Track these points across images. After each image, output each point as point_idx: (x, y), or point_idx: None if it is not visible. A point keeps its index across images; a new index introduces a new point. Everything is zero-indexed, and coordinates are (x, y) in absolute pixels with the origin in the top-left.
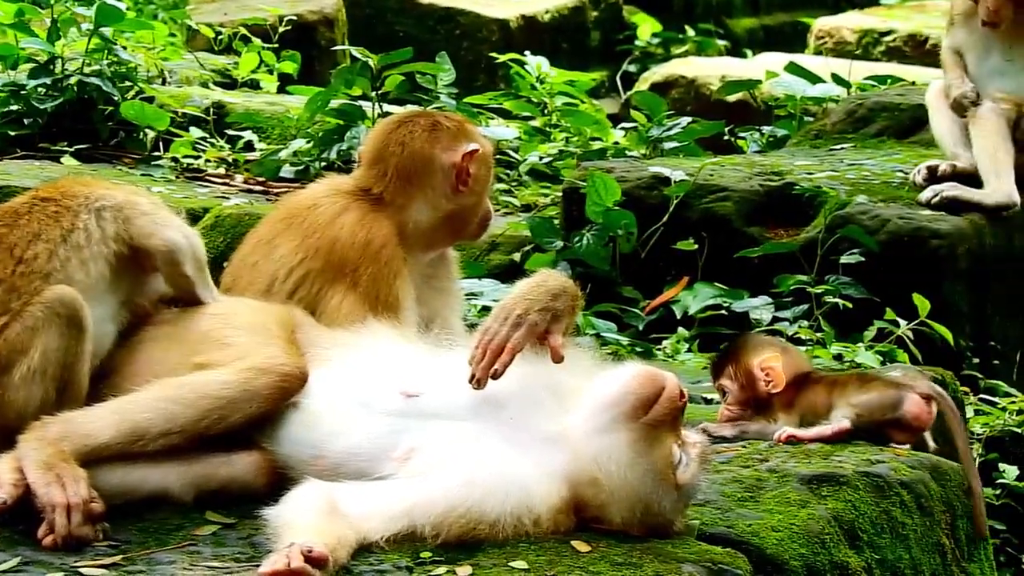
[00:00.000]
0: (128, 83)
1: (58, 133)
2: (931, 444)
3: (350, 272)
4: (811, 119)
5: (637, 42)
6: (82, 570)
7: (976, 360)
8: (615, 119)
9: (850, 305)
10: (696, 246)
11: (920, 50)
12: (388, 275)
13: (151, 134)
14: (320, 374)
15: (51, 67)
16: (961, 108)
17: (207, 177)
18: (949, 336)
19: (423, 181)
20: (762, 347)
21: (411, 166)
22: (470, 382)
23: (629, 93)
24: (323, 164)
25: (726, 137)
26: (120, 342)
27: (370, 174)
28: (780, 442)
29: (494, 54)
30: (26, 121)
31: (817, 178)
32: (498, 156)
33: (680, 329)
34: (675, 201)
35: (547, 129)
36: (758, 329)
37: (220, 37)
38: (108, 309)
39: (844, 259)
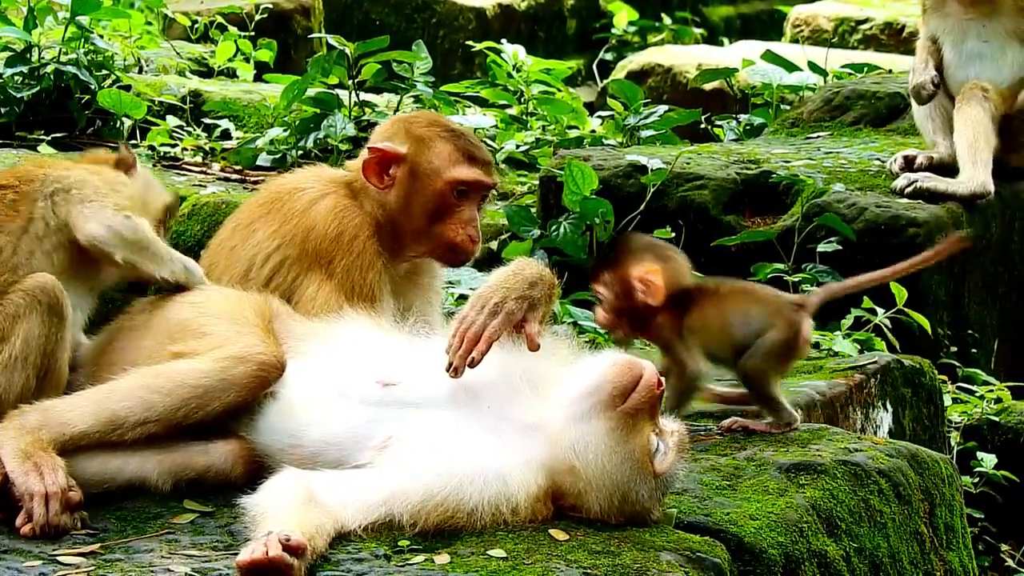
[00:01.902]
0: (105, 72)
1: (35, 122)
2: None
3: (325, 262)
4: (788, 107)
5: (614, 30)
6: (60, 558)
7: (954, 348)
8: (592, 107)
9: None
10: (673, 234)
11: (897, 38)
12: (361, 266)
13: (128, 123)
14: (298, 363)
15: (28, 56)
16: (919, 96)
17: (184, 166)
18: (927, 324)
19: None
20: (643, 255)
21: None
22: (447, 371)
23: (606, 81)
24: (300, 152)
25: (703, 125)
26: (97, 331)
27: (356, 164)
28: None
29: (471, 42)
30: (2, 110)
31: (794, 166)
32: None
33: None
34: (652, 189)
35: (524, 117)
36: None
37: (196, 25)
38: (74, 296)
39: (821, 247)
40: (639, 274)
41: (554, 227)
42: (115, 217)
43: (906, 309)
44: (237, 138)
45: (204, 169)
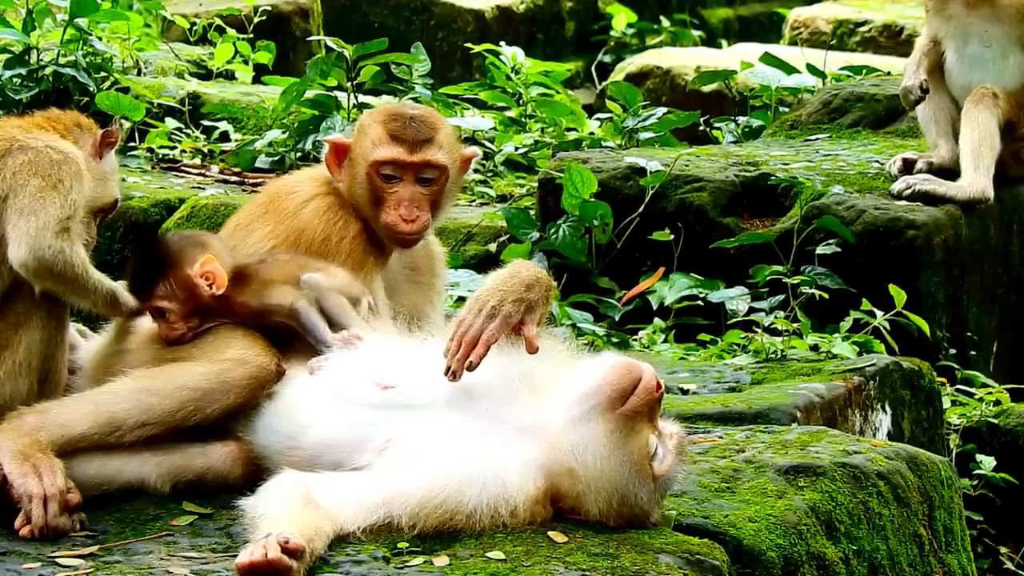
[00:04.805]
0: (103, 74)
1: None
2: None
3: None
4: (786, 110)
5: (612, 32)
6: (59, 560)
7: (953, 351)
8: (590, 110)
9: (826, 296)
10: (672, 236)
11: (895, 40)
12: (352, 267)
13: (127, 125)
14: (297, 365)
15: (26, 58)
16: (906, 99)
17: (183, 168)
18: (925, 327)
19: None
20: (191, 251)
21: None
22: (445, 374)
23: (604, 84)
24: (298, 155)
25: (701, 128)
26: (95, 331)
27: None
28: None
29: (469, 44)
30: (1, 112)
31: (792, 169)
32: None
33: (656, 320)
34: (651, 192)
35: (522, 120)
36: (733, 320)
37: (195, 27)
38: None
39: (820, 250)
40: (200, 270)
41: (553, 229)
42: (50, 242)
43: (905, 311)
44: (236, 140)
45: (203, 171)
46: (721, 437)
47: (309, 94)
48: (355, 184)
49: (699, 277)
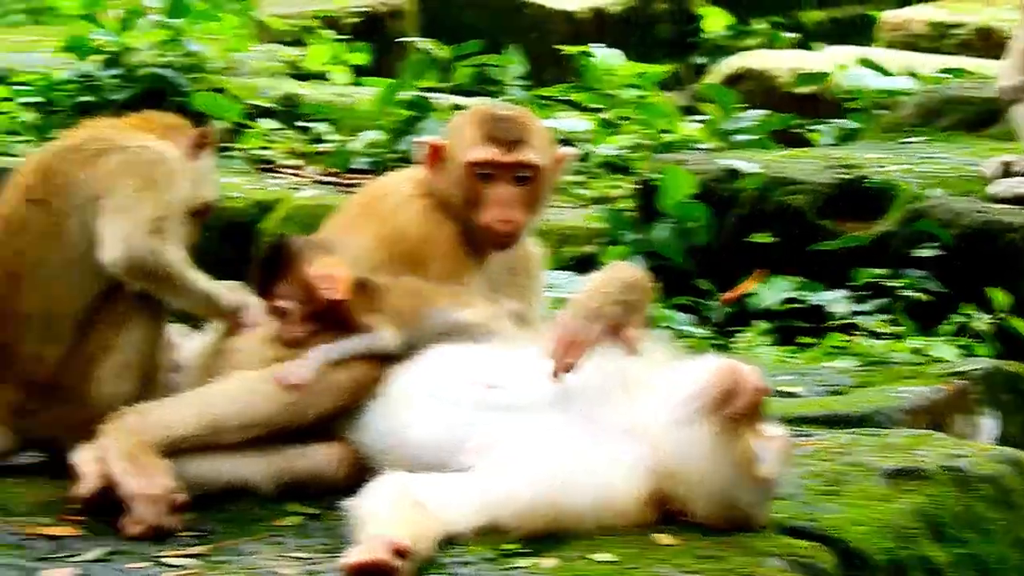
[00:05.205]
0: (198, 74)
1: None
2: None
3: (414, 267)
4: (882, 112)
5: (705, 35)
6: (167, 560)
7: None
8: (684, 112)
9: (927, 299)
10: (772, 239)
11: (989, 42)
12: (451, 270)
13: (222, 125)
14: (399, 365)
15: (122, 59)
16: (1002, 100)
17: (279, 168)
18: None
19: None
20: (312, 253)
21: None
22: (548, 376)
23: (698, 85)
24: (395, 156)
25: (796, 130)
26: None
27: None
28: None
29: (561, 46)
30: (98, 113)
31: (889, 171)
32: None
33: (758, 322)
34: (748, 194)
35: (616, 121)
36: (832, 322)
37: (290, 29)
38: None
39: (921, 252)
40: (319, 271)
41: (651, 231)
42: (143, 241)
43: (1005, 315)
44: (331, 141)
45: (298, 172)
46: (825, 440)
47: (404, 95)
48: (451, 185)
49: (800, 279)
